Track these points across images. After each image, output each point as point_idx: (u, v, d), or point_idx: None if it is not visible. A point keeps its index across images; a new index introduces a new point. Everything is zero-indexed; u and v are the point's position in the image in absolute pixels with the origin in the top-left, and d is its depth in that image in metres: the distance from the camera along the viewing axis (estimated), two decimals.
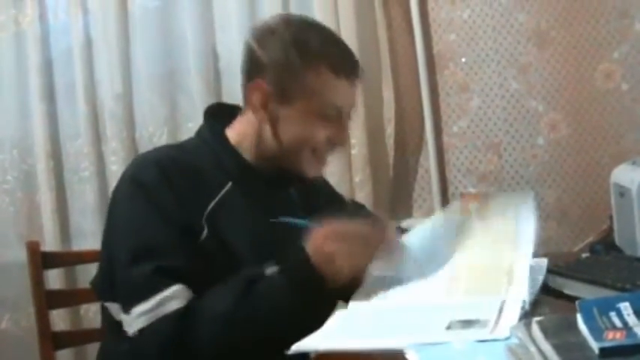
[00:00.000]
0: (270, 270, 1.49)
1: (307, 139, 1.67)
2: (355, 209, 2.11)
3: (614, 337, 0.96)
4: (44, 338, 2.15)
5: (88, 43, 3.09)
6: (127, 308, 1.51)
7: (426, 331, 1.25)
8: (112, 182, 2.97)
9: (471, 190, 2.93)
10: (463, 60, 2.92)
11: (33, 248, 2.18)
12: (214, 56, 3.01)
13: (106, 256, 1.64)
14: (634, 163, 1.92)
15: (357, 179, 2.85)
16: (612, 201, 1.98)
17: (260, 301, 1.45)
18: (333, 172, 2.61)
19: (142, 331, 1.48)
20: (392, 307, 1.46)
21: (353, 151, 2.80)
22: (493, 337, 1.15)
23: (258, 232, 1.61)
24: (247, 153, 1.70)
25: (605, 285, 1.45)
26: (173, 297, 1.46)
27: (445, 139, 2.95)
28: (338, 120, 1.69)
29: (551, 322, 1.07)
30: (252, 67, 1.70)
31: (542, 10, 2.84)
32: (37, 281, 2.16)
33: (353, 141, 2.78)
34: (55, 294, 2.35)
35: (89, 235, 3.06)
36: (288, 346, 1.22)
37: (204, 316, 1.45)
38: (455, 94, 2.93)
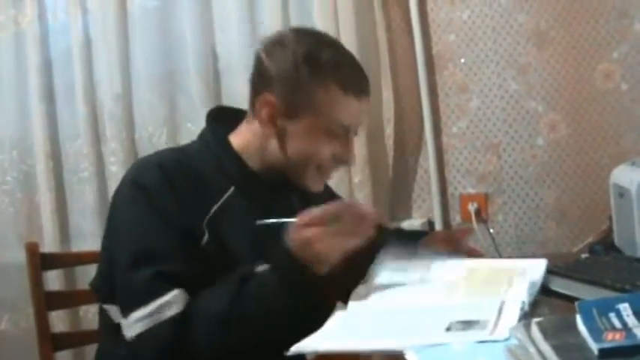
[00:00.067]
0: (261, 268, 1.48)
1: (313, 155, 1.66)
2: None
3: (614, 338, 0.96)
4: (43, 339, 2.15)
5: (88, 44, 3.09)
6: (125, 312, 1.51)
7: (425, 333, 1.25)
8: (112, 183, 2.98)
9: (471, 190, 2.93)
10: (462, 60, 2.92)
11: (32, 249, 2.18)
12: (214, 56, 3.01)
13: (105, 258, 1.64)
14: (633, 163, 1.92)
15: (356, 180, 2.85)
16: (612, 201, 1.98)
17: (252, 299, 1.44)
18: None
19: (139, 336, 1.48)
20: (391, 308, 1.46)
21: None
22: (493, 338, 1.15)
23: (259, 237, 1.61)
24: (251, 161, 1.69)
25: (604, 286, 1.45)
26: (172, 302, 1.46)
27: (444, 139, 2.95)
28: (344, 137, 1.68)
29: (551, 323, 1.07)
30: (261, 79, 1.68)
31: (542, 10, 2.84)
32: (36, 282, 2.16)
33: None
34: (54, 295, 2.34)
35: (88, 236, 3.06)
36: (288, 347, 1.21)
37: (200, 318, 1.45)
38: (454, 95, 2.93)
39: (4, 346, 3.18)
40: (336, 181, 2.60)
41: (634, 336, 0.96)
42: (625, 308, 1.04)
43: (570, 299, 1.38)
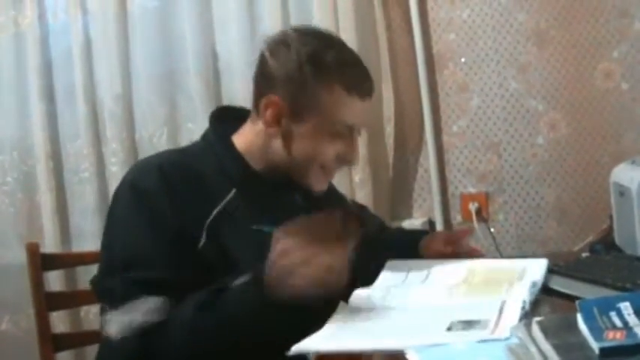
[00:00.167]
0: (238, 281, 1.46)
1: (317, 156, 1.66)
2: (358, 211, 2.11)
3: (615, 337, 0.96)
4: (44, 340, 2.15)
5: (88, 44, 3.09)
6: (105, 311, 1.52)
7: (426, 332, 1.25)
8: (112, 183, 2.98)
9: (471, 189, 2.93)
10: (463, 60, 2.92)
11: (33, 250, 2.17)
12: (214, 56, 3.01)
13: (103, 255, 1.64)
14: (634, 162, 1.92)
15: (356, 179, 2.85)
16: (612, 200, 1.97)
17: (223, 312, 1.42)
18: None
19: (114, 338, 1.48)
20: (392, 308, 1.46)
21: None
22: (493, 338, 1.15)
23: (261, 240, 1.60)
24: (253, 161, 1.69)
25: (605, 284, 1.45)
26: (146, 309, 1.45)
27: (445, 138, 2.95)
28: (349, 138, 1.68)
29: (552, 322, 1.07)
30: (265, 79, 1.67)
31: (542, 9, 2.85)
32: (37, 283, 2.16)
33: None
34: (55, 296, 2.34)
35: (89, 236, 3.06)
36: (280, 349, 1.22)
37: (169, 326, 1.44)
38: (454, 94, 2.93)
39: (5, 346, 3.17)
40: (336, 180, 2.57)
41: (635, 335, 0.96)
42: (626, 307, 1.04)
43: (571, 298, 1.38)
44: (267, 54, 1.67)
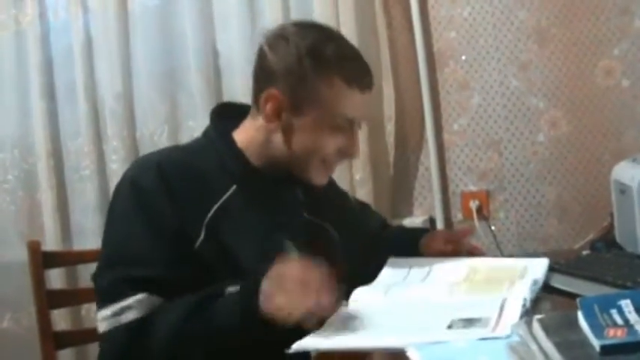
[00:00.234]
0: (230, 289, 1.45)
1: (318, 149, 1.65)
2: (360, 209, 2.11)
3: (615, 335, 0.96)
4: (45, 338, 2.15)
5: (89, 42, 3.09)
6: (96, 309, 1.53)
7: (427, 330, 1.26)
8: (113, 181, 2.98)
9: (472, 187, 2.93)
10: (463, 58, 2.92)
11: (34, 248, 2.17)
12: (214, 54, 3.01)
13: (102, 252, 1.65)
14: (634, 160, 1.92)
15: (357, 177, 2.85)
16: (613, 198, 1.98)
17: (209, 319, 1.43)
18: None
19: (103, 335, 1.51)
20: (393, 305, 1.46)
21: None
22: (494, 336, 1.15)
23: (262, 236, 1.60)
24: (254, 157, 1.68)
25: (605, 282, 1.45)
26: (132, 307, 1.46)
27: (445, 136, 2.95)
28: (349, 131, 1.67)
29: (552, 320, 1.07)
30: (265, 74, 1.67)
31: (543, 7, 2.84)
32: (38, 281, 2.16)
33: None
34: (56, 293, 2.34)
35: (90, 234, 3.06)
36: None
37: (157, 328, 1.45)
38: (455, 92, 2.93)
39: (6, 344, 3.18)
40: (337, 178, 2.59)
41: (635, 332, 0.96)
42: (627, 304, 1.04)
43: (572, 296, 1.38)
44: (266, 48, 1.66)
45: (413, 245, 1.87)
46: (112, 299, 1.48)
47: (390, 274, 1.66)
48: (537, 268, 1.57)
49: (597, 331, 0.98)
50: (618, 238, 1.96)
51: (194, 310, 1.44)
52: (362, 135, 2.76)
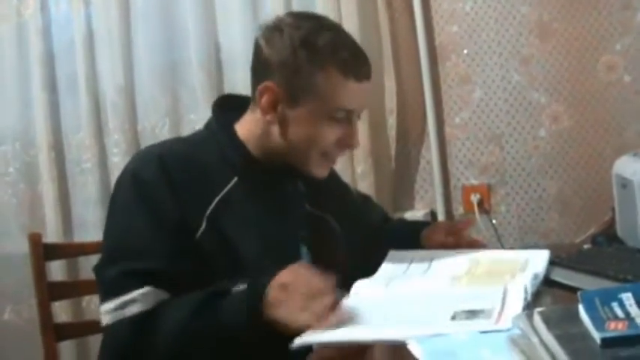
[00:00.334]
0: (237, 288, 1.45)
1: (316, 141, 1.64)
2: (361, 201, 2.11)
3: (616, 328, 0.96)
4: (46, 330, 2.15)
5: (90, 35, 3.09)
6: (99, 302, 1.53)
7: (428, 322, 1.26)
8: (114, 174, 2.98)
9: (473, 181, 2.93)
10: (465, 52, 2.92)
11: (35, 240, 2.18)
12: (216, 47, 3.01)
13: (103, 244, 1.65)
14: (636, 154, 1.92)
15: (358, 170, 2.85)
16: (614, 192, 1.97)
17: (216, 317, 1.42)
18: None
19: (106, 328, 1.50)
20: (394, 298, 1.46)
21: None
22: (495, 329, 1.15)
23: (264, 228, 1.60)
24: (255, 150, 1.68)
25: (607, 276, 1.46)
26: (136, 300, 1.46)
27: (447, 130, 2.95)
28: (347, 122, 1.66)
29: (553, 313, 1.07)
30: (261, 67, 1.66)
31: (545, 1, 2.84)
32: (39, 273, 2.16)
33: None
34: (57, 285, 2.34)
35: (91, 227, 3.07)
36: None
37: (162, 323, 1.45)
38: (457, 86, 2.93)
39: (7, 336, 3.19)
40: (338, 171, 2.60)
41: (637, 325, 0.96)
42: (628, 298, 1.04)
43: (573, 290, 1.39)
44: (262, 41, 1.66)
45: (414, 238, 1.87)
46: (116, 292, 1.48)
47: (390, 266, 1.66)
48: (538, 260, 1.57)
49: (598, 323, 0.98)
50: (619, 232, 1.96)
51: (200, 307, 1.43)
52: (364, 128, 2.77)
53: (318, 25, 1.67)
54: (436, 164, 2.93)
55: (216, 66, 3.00)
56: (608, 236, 2.01)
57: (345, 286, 1.52)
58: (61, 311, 3.02)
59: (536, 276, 1.45)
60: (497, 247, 2.67)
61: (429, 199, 2.98)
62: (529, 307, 1.27)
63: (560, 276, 1.52)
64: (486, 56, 2.90)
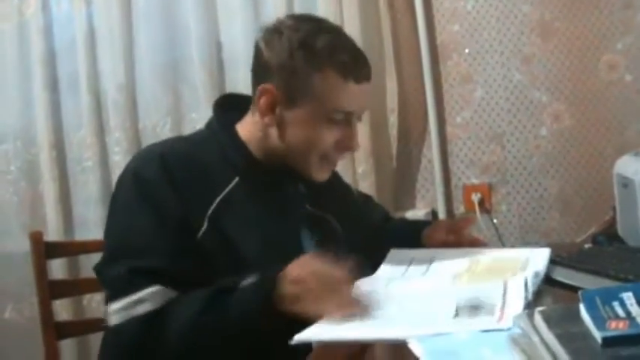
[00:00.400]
0: (245, 282, 1.45)
1: (314, 144, 1.63)
2: (363, 201, 2.11)
3: (617, 327, 0.96)
4: (47, 328, 2.15)
5: (91, 34, 3.09)
6: (107, 302, 1.52)
7: (430, 321, 1.26)
8: (115, 172, 2.99)
9: (474, 180, 2.93)
10: (467, 51, 2.92)
11: (36, 238, 2.18)
12: (217, 46, 3.01)
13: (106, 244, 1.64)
14: (637, 154, 1.92)
15: (360, 170, 2.85)
16: (615, 192, 1.98)
17: (226, 312, 1.42)
18: None
19: (114, 328, 1.49)
20: (395, 296, 1.46)
21: None
22: (496, 328, 1.15)
23: (265, 229, 1.60)
24: (256, 151, 1.68)
25: (607, 276, 1.45)
26: (145, 299, 1.46)
27: (448, 129, 2.95)
28: (347, 124, 1.65)
29: (554, 312, 1.07)
30: (260, 69, 1.66)
31: (546, 1, 2.84)
32: (40, 271, 2.16)
33: None
34: (58, 284, 2.35)
35: (92, 225, 3.07)
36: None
37: (172, 321, 1.44)
38: (458, 85, 2.93)
39: (8, 334, 3.19)
40: (339, 171, 2.60)
41: (637, 325, 0.96)
42: (628, 297, 1.04)
43: (573, 289, 1.38)
44: (261, 44, 1.66)
45: (415, 237, 1.87)
46: (124, 291, 1.47)
47: (391, 267, 1.66)
48: (539, 258, 1.57)
49: (599, 323, 0.98)
50: (620, 231, 1.96)
51: (209, 303, 1.43)
52: (365, 128, 2.77)
53: (317, 27, 1.66)
54: (437, 163, 2.93)
55: (218, 65, 3.00)
56: (609, 235, 2.01)
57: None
58: (62, 309, 3.02)
59: (537, 274, 1.45)
60: (498, 247, 2.68)
61: (430, 198, 2.98)
62: (530, 305, 1.27)
63: (561, 275, 1.52)
64: (488, 55, 2.90)
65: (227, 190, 1.60)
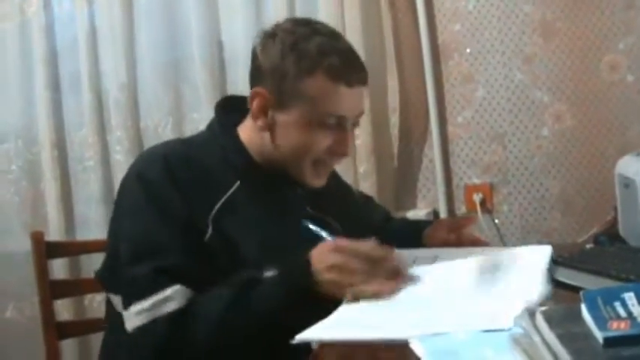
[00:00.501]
0: (268, 274, 1.46)
1: (307, 148, 1.63)
2: (363, 202, 2.11)
3: (619, 327, 0.96)
4: (48, 328, 2.15)
5: (93, 33, 3.10)
6: (126, 304, 1.51)
7: (431, 321, 1.25)
8: (117, 172, 2.99)
9: (475, 180, 2.93)
10: (468, 50, 2.92)
11: (37, 238, 2.18)
12: (219, 46, 3.01)
13: (111, 247, 1.64)
14: (639, 154, 1.92)
15: (361, 169, 2.85)
16: (617, 192, 1.97)
17: (253, 306, 1.43)
18: None
19: (138, 329, 1.48)
20: (397, 297, 1.45)
21: (357, 141, 2.80)
22: (497, 328, 1.15)
23: (266, 231, 1.60)
24: (255, 154, 1.68)
25: (609, 276, 1.45)
26: (171, 298, 1.46)
27: (450, 129, 2.95)
28: (340, 129, 1.64)
29: (556, 312, 1.06)
30: (255, 73, 1.67)
31: (548, 0, 2.84)
32: (41, 271, 2.16)
33: (357, 131, 2.77)
34: (59, 284, 2.35)
35: (93, 225, 3.07)
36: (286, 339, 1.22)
37: (199, 318, 1.45)
38: (459, 85, 2.93)
39: (9, 334, 3.19)
40: (340, 171, 2.60)
41: (639, 325, 0.96)
42: (630, 297, 1.04)
43: (575, 289, 1.38)
44: (257, 48, 1.66)
45: (416, 237, 1.87)
46: (146, 293, 1.47)
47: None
48: (540, 257, 1.56)
49: (600, 323, 0.98)
50: (622, 231, 1.96)
51: (234, 298, 1.44)
52: (366, 127, 2.78)
53: (312, 30, 1.64)
54: (438, 163, 2.93)
55: (219, 64, 3.00)
56: (610, 236, 2.00)
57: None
58: (63, 309, 3.02)
59: (540, 272, 1.45)
60: (499, 247, 2.67)
61: (431, 198, 2.98)
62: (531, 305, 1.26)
63: (563, 275, 1.52)
64: (489, 55, 2.90)
65: (229, 193, 1.60)
